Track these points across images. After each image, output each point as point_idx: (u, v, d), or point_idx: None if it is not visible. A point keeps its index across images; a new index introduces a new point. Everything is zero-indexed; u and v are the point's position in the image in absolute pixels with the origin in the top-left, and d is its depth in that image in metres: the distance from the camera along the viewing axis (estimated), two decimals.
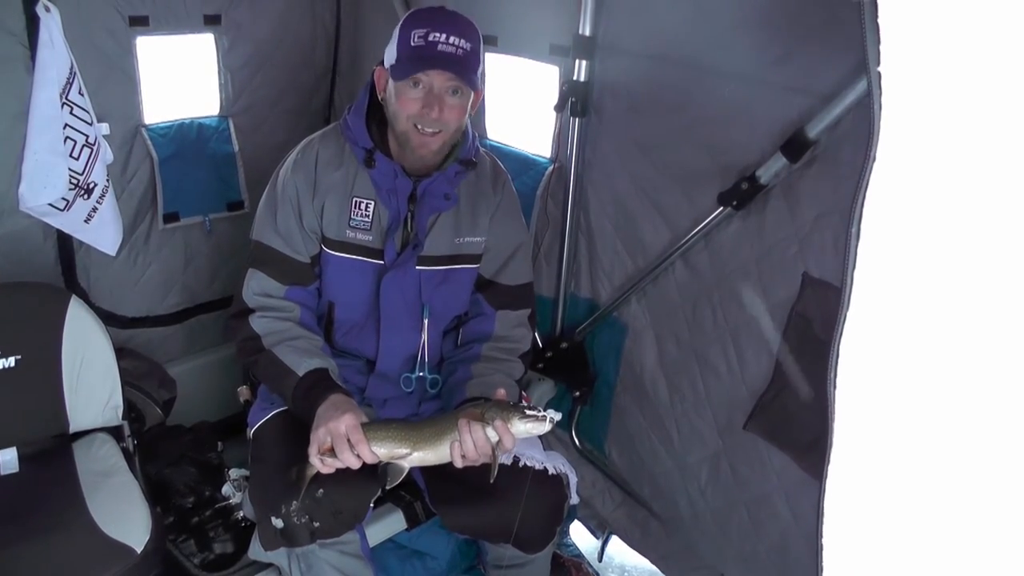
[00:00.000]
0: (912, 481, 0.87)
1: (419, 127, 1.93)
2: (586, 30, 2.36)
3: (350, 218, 2.07)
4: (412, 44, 1.89)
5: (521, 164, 2.68)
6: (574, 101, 2.44)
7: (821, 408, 2.04)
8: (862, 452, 0.92)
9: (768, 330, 2.10)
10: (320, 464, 1.79)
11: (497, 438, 1.75)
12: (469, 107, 2.01)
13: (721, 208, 2.13)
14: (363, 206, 2.07)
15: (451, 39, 1.88)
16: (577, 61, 2.41)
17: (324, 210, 2.07)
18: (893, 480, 0.89)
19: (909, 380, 0.85)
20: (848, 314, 0.91)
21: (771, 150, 1.97)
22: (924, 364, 0.84)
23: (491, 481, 1.79)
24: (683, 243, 2.27)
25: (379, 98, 2.03)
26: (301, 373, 1.97)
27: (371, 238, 2.09)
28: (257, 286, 2.08)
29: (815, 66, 1.86)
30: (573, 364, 2.76)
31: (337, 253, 2.10)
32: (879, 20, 0.78)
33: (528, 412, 1.74)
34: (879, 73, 0.81)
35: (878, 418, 0.90)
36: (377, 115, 2.06)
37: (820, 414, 2.01)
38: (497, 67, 2.70)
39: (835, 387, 0.94)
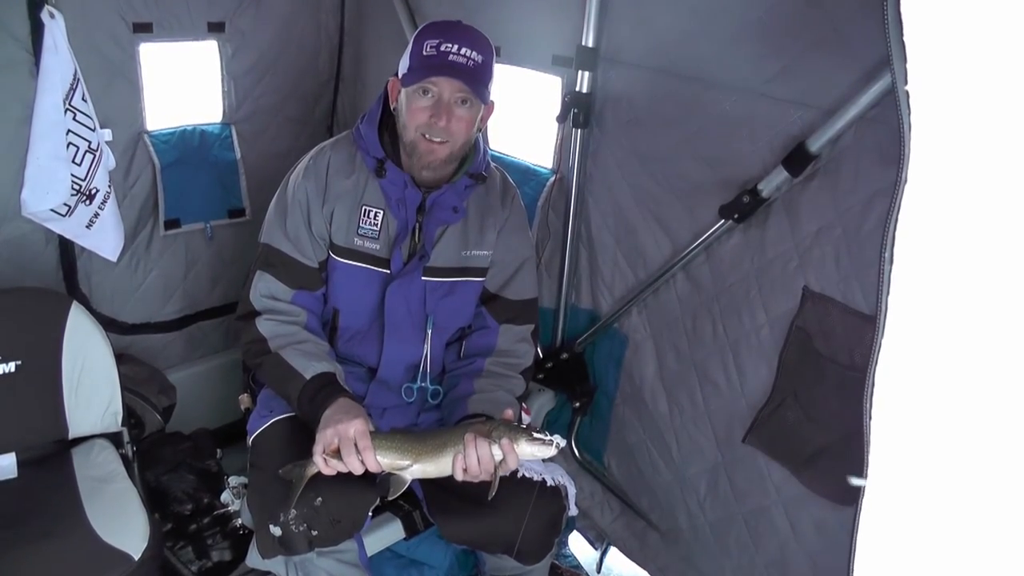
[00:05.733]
0: (951, 514, 0.85)
1: (427, 136, 1.95)
2: (589, 41, 2.37)
3: (358, 226, 2.08)
4: (424, 54, 1.92)
5: (523, 174, 2.68)
6: (576, 112, 2.45)
7: (820, 423, 2.04)
8: (898, 484, 0.90)
9: (768, 343, 2.10)
10: (323, 464, 1.79)
11: (501, 456, 1.76)
12: (478, 120, 2.02)
13: (722, 221, 2.14)
14: (372, 215, 2.08)
15: (463, 50, 1.91)
16: (579, 72, 2.42)
17: (333, 217, 2.08)
18: (931, 512, 0.86)
19: (946, 407, 0.83)
20: (883, 341, 0.89)
21: (772, 163, 1.98)
22: (962, 392, 0.81)
23: (489, 498, 1.80)
24: (684, 255, 2.28)
25: (391, 108, 2.05)
26: (308, 376, 1.97)
27: (378, 247, 2.09)
28: (265, 288, 2.09)
29: (816, 80, 1.86)
30: (573, 375, 2.76)
31: (344, 260, 2.10)
32: (904, 38, 0.77)
33: (535, 436, 1.76)
34: (907, 92, 0.80)
35: (914, 448, 0.87)
36: (390, 125, 2.08)
37: (819, 429, 2.02)
38: (500, 77, 2.70)
39: (871, 417, 0.91)
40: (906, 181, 0.82)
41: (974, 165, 0.77)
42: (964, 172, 0.78)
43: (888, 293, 0.88)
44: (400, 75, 1.99)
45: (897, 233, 0.84)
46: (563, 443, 1.77)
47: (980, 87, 0.74)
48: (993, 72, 0.73)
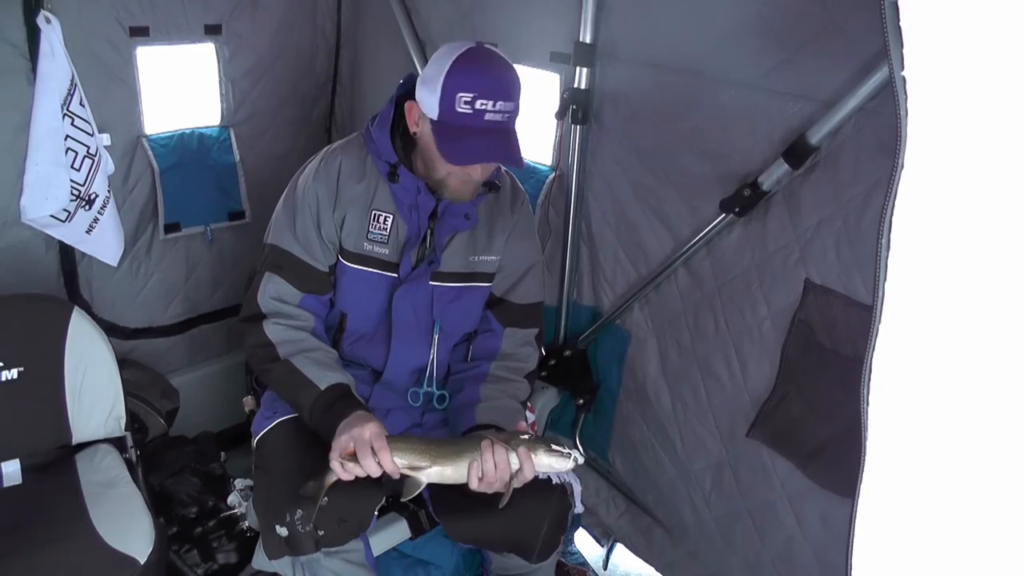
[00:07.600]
0: (948, 502, 0.84)
1: (458, 178, 1.96)
2: (587, 38, 2.36)
3: (368, 231, 2.07)
4: (457, 110, 1.83)
5: (522, 172, 2.67)
6: (575, 109, 2.44)
7: (824, 415, 2.04)
8: (895, 472, 0.89)
9: (770, 337, 2.10)
10: (340, 469, 1.78)
11: (518, 466, 1.76)
12: None
13: (723, 215, 2.14)
14: (382, 219, 2.07)
15: (498, 105, 1.83)
16: (578, 69, 2.42)
17: (345, 222, 2.06)
18: (928, 500, 0.86)
19: (944, 396, 0.82)
20: (880, 328, 0.88)
21: (773, 156, 1.98)
22: (959, 379, 0.80)
23: (500, 507, 1.80)
24: (685, 250, 2.27)
25: (411, 131, 1.99)
26: (323, 387, 1.96)
27: (387, 251, 2.08)
28: (274, 290, 2.07)
29: (816, 72, 1.86)
30: (576, 372, 2.76)
31: (354, 265, 2.09)
32: (901, 24, 0.76)
33: (554, 448, 1.76)
34: (903, 78, 0.79)
35: (911, 436, 0.87)
36: (401, 128, 2.06)
37: (823, 421, 2.01)
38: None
39: (868, 404, 0.91)
40: (903, 167, 0.82)
41: (971, 151, 0.76)
42: (961, 158, 0.77)
43: (885, 279, 0.87)
44: (426, 110, 1.90)
45: (894, 219, 0.83)
46: (582, 459, 1.77)
47: (977, 73, 0.74)
48: (990, 58, 0.73)
